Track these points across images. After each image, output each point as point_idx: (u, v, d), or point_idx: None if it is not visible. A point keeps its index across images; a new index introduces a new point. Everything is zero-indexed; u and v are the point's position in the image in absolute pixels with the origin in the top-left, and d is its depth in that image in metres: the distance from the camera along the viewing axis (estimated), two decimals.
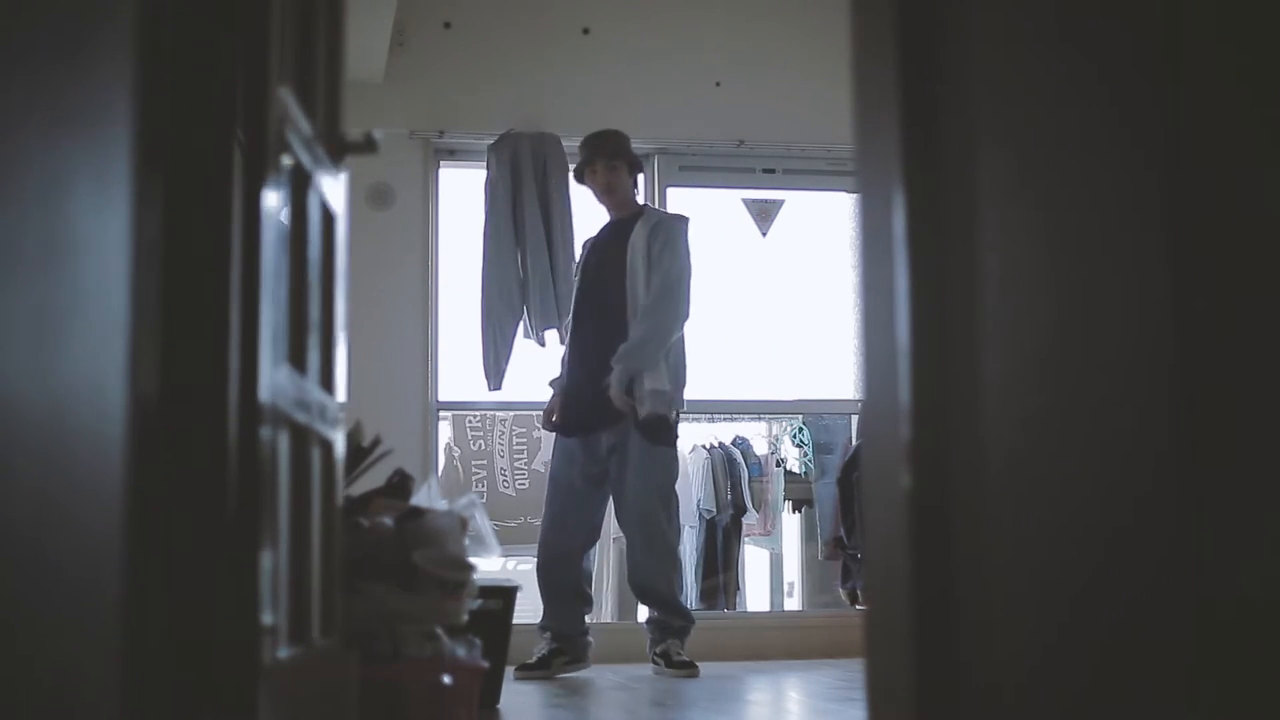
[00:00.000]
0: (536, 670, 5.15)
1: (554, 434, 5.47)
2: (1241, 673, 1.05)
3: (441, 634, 3.00)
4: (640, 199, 5.59)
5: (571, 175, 5.65)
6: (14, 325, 1.15)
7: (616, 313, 5.28)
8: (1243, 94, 1.07)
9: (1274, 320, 1.02)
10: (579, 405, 5.31)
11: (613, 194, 5.43)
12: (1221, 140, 1.08)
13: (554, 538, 5.32)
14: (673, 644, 5.25)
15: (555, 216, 6.22)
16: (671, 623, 5.31)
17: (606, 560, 7.06)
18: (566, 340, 5.53)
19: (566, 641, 5.26)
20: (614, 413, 5.20)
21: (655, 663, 5.27)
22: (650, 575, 5.30)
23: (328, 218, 2.27)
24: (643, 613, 5.59)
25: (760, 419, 8.48)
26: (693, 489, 7.79)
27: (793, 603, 8.54)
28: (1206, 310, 1.08)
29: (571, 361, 5.42)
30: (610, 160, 5.40)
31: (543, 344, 6.23)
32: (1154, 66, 1.16)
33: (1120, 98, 1.21)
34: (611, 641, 5.73)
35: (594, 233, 5.58)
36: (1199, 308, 1.09)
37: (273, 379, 1.78)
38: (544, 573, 5.34)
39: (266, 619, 1.72)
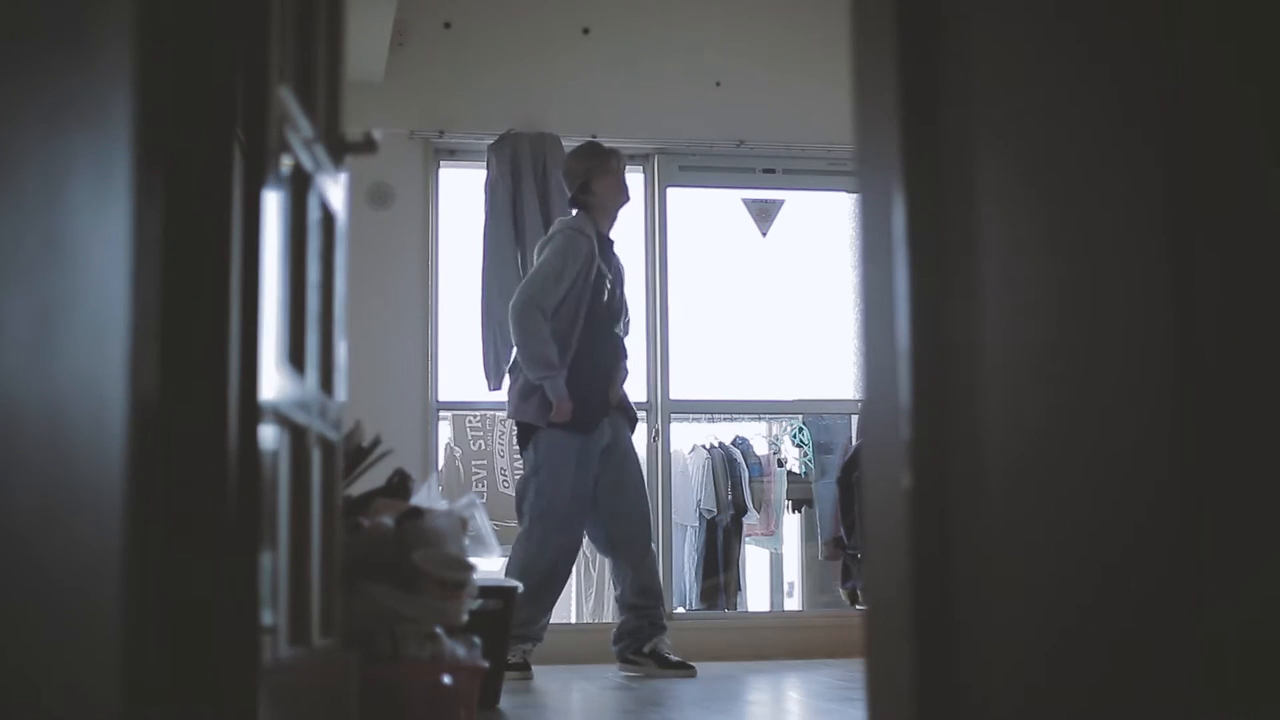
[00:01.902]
0: (522, 671, 5.10)
1: (547, 436, 5.25)
2: (1243, 676, 1.05)
3: (441, 634, 3.00)
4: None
5: (577, 183, 5.38)
6: (14, 325, 1.15)
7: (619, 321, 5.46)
8: (1244, 92, 1.07)
9: (1275, 319, 1.02)
10: (592, 399, 5.26)
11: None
12: (1223, 139, 1.08)
13: (572, 546, 5.33)
14: (661, 641, 5.26)
15: (555, 217, 6.22)
16: (661, 615, 5.35)
17: (607, 560, 7.03)
18: (577, 339, 5.25)
19: (537, 637, 5.25)
20: (607, 406, 5.29)
21: (640, 662, 5.25)
22: (654, 569, 5.37)
23: (328, 218, 2.27)
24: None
25: (760, 419, 8.48)
26: (693, 489, 7.78)
27: (793, 603, 8.55)
28: (1207, 309, 1.08)
29: (589, 360, 5.25)
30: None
31: None
32: (1155, 65, 1.16)
33: (1121, 97, 1.21)
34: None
35: (586, 243, 5.31)
36: (1200, 307, 1.09)
37: (273, 379, 1.78)
38: (560, 584, 5.32)
39: (266, 619, 1.72)
